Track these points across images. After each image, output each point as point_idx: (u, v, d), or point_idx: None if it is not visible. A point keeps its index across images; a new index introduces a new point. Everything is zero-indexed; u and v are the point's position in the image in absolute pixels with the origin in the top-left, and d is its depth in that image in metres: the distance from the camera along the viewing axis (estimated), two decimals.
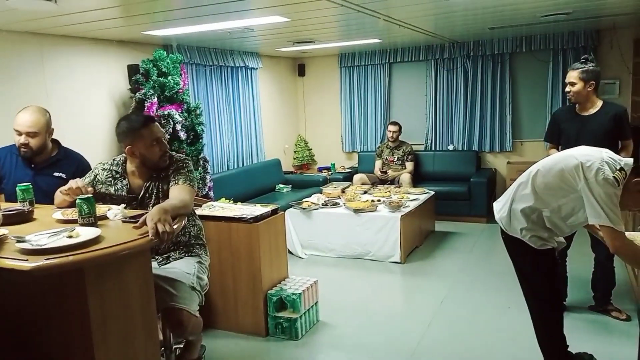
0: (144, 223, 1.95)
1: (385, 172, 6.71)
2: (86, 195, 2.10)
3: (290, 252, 4.60)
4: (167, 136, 4.70)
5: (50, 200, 2.51)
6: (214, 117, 6.16)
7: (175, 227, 2.01)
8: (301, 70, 8.00)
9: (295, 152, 8.03)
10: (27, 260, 1.66)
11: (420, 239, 5.52)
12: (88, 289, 1.79)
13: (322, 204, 5.33)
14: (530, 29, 5.77)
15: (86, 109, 4.70)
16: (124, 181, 2.56)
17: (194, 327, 2.51)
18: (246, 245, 3.44)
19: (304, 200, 5.46)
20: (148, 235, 1.89)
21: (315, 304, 3.69)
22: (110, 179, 2.57)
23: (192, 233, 2.68)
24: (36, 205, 2.39)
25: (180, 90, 4.96)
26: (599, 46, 6.15)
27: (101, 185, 2.57)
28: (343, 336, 3.52)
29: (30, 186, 2.38)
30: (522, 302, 2.56)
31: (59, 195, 2.44)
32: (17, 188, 2.36)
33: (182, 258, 2.61)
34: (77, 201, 2.06)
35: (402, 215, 4.93)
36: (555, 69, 6.36)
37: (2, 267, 1.68)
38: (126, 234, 1.93)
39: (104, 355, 1.85)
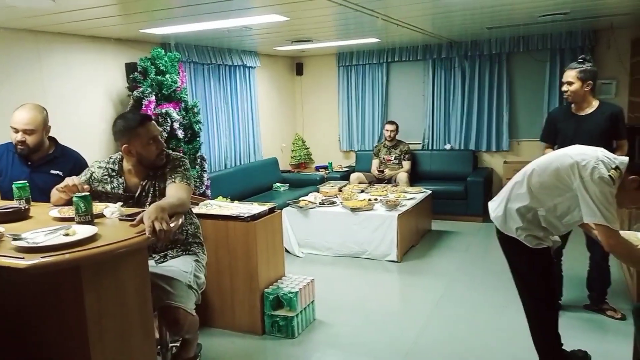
0: (141, 221, 1.95)
1: (383, 171, 6.71)
2: (83, 193, 2.10)
3: (287, 251, 4.61)
4: (165, 134, 4.70)
5: (47, 198, 2.51)
6: (211, 115, 6.16)
7: (172, 225, 2.02)
8: (299, 69, 8.00)
9: (292, 150, 8.03)
10: (23, 258, 1.66)
11: (417, 238, 5.53)
12: (84, 287, 1.79)
13: (319, 203, 5.33)
14: (527, 29, 5.79)
15: (83, 107, 4.69)
16: (120, 179, 2.56)
17: (191, 326, 2.51)
18: (243, 244, 3.44)
19: (301, 199, 5.46)
20: (145, 234, 1.89)
21: (312, 302, 3.70)
22: (106, 177, 2.57)
23: (189, 231, 2.68)
24: (33, 203, 2.39)
25: (178, 89, 4.95)
26: (597, 46, 6.16)
27: (97, 184, 2.57)
28: (339, 335, 3.52)
29: (27, 184, 2.38)
30: (518, 301, 2.57)
31: (55, 193, 2.44)
32: (13, 186, 2.35)
33: (179, 256, 2.61)
34: (74, 199, 2.06)
35: (398, 214, 4.94)
36: (552, 69, 6.37)
37: None
38: (123, 232, 1.94)
39: (100, 353, 1.85)
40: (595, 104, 3.41)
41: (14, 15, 3.61)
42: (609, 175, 2.12)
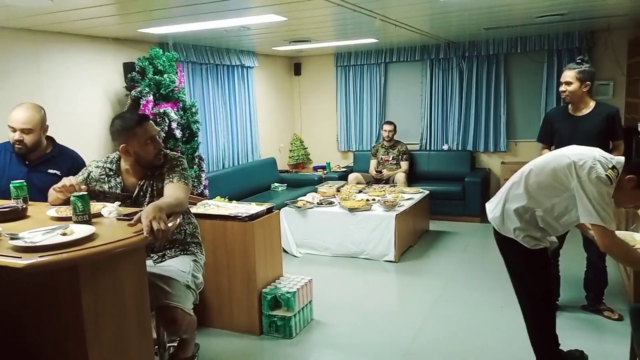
0: (139, 221, 1.95)
1: (380, 172, 6.72)
2: (81, 193, 2.10)
3: (285, 251, 4.61)
4: (163, 134, 4.70)
5: (44, 198, 2.51)
6: (209, 115, 6.15)
7: (170, 225, 2.02)
8: (297, 70, 8.00)
9: (290, 150, 8.03)
10: (20, 257, 1.65)
11: (415, 238, 5.54)
12: (82, 287, 1.78)
13: (317, 203, 5.33)
14: (525, 29, 5.80)
15: (81, 107, 4.69)
16: (117, 179, 2.56)
17: (188, 326, 2.51)
18: (241, 244, 3.44)
19: (299, 199, 5.46)
20: (143, 233, 1.89)
21: (310, 302, 3.70)
22: (103, 176, 2.57)
23: (187, 231, 2.68)
24: (30, 203, 2.38)
25: (176, 89, 4.95)
26: (594, 47, 6.18)
27: (95, 183, 2.56)
28: (337, 335, 3.53)
29: (24, 183, 2.37)
30: (515, 301, 2.57)
31: (52, 193, 2.44)
32: (10, 185, 2.35)
33: (177, 256, 2.61)
34: (72, 198, 2.05)
35: (396, 215, 4.94)
36: (549, 70, 6.38)
37: None
38: (121, 232, 1.93)
39: (97, 353, 1.85)
40: (592, 104, 3.42)
41: (12, 15, 3.60)
42: (606, 175, 2.13)
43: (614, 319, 3.50)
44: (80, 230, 1.87)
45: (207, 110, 6.12)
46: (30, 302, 1.97)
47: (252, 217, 3.44)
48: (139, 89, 4.73)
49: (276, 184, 6.76)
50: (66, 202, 2.30)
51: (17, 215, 2.21)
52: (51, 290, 1.88)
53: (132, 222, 1.97)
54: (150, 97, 4.73)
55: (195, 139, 5.14)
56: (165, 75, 4.83)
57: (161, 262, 2.55)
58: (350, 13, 4.05)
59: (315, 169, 7.69)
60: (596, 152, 2.23)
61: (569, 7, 4.42)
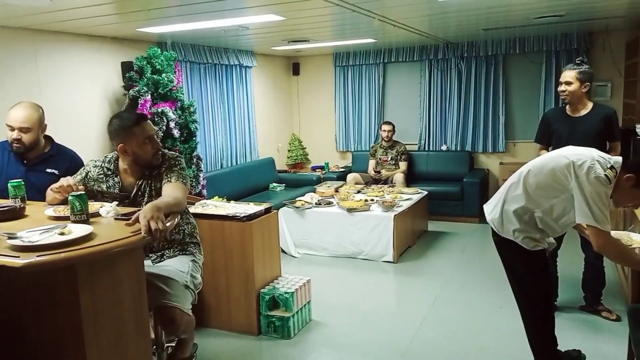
0: (137, 220, 1.95)
1: (379, 172, 6.72)
2: (78, 192, 2.09)
3: (283, 251, 4.60)
4: (161, 134, 4.70)
5: (42, 197, 2.50)
6: (207, 115, 6.15)
7: (168, 224, 2.01)
8: (296, 69, 8.00)
9: (289, 151, 8.03)
10: (18, 257, 1.65)
11: (413, 239, 5.54)
12: (80, 286, 1.78)
13: (316, 203, 5.33)
14: (523, 30, 5.81)
15: (79, 106, 4.68)
16: (115, 179, 2.56)
17: (187, 326, 2.51)
18: (239, 244, 3.43)
19: (297, 199, 5.46)
20: (140, 233, 1.88)
21: (308, 302, 3.69)
22: (101, 176, 2.56)
23: (186, 231, 2.68)
24: (28, 202, 2.38)
25: (174, 88, 4.94)
26: (592, 48, 6.19)
27: (93, 183, 2.56)
28: (335, 335, 3.52)
29: (22, 183, 2.37)
30: (514, 302, 2.58)
31: (50, 193, 2.43)
32: (8, 184, 2.34)
33: (176, 256, 2.60)
34: (70, 198, 2.05)
35: (395, 215, 4.94)
36: (548, 71, 6.39)
37: None
38: (118, 232, 1.93)
39: (95, 353, 1.84)
40: (589, 105, 3.43)
41: (10, 14, 3.59)
42: (605, 175, 2.13)
43: (611, 319, 3.51)
44: (78, 230, 1.87)
45: (206, 109, 6.11)
46: (28, 302, 1.96)
47: (251, 217, 3.44)
48: (137, 88, 4.72)
49: (274, 184, 6.75)
50: (64, 201, 2.30)
51: (15, 214, 2.20)
52: (49, 290, 1.87)
53: (129, 221, 1.97)
54: (148, 97, 4.72)
55: (194, 138, 5.13)
56: (163, 75, 4.82)
57: (160, 262, 2.55)
58: (348, 13, 4.05)
59: (314, 169, 7.68)
60: (594, 152, 2.23)
61: (567, 8, 4.43)
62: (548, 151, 3.46)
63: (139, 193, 2.52)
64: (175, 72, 5.02)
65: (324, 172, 7.36)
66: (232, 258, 3.47)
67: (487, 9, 4.31)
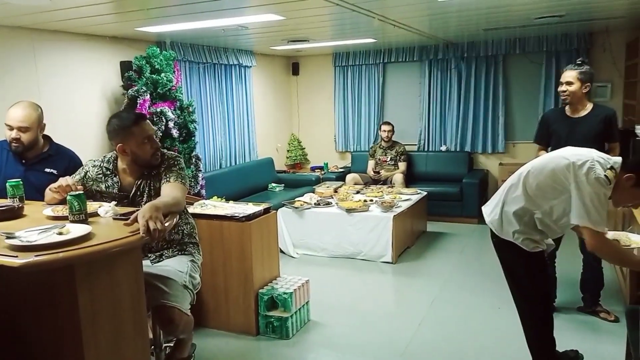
0: (135, 220, 1.94)
1: (378, 172, 6.72)
2: (77, 192, 2.09)
3: (282, 251, 4.60)
4: (160, 134, 4.69)
5: (41, 197, 2.50)
6: (206, 115, 6.14)
7: (166, 224, 2.01)
8: (295, 69, 7.99)
9: (288, 151, 8.03)
10: (16, 256, 1.65)
11: (412, 239, 5.54)
12: (78, 286, 1.78)
13: (315, 204, 5.33)
14: (523, 31, 5.81)
15: (78, 105, 4.67)
16: (114, 178, 2.55)
17: (185, 326, 2.50)
18: (238, 244, 3.43)
19: (296, 199, 5.45)
20: (139, 233, 1.88)
21: (307, 303, 3.69)
22: (100, 175, 2.56)
23: (185, 231, 2.67)
24: (26, 202, 2.37)
25: (173, 88, 4.94)
26: (592, 49, 6.19)
27: (92, 182, 2.55)
28: (334, 336, 3.52)
29: (21, 182, 2.36)
30: (512, 303, 2.57)
31: (48, 193, 2.43)
32: (7, 184, 2.34)
33: (175, 256, 2.60)
34: (68, 198, 2.05)
35: (394, 216, 4.94)
36: (548, 71, 6.39)
37: None
38: (117, 231, 1.93)
39: (94, 353, 1.84)
40: (589, 106, 3.43)
41: (9, 13, 3.59)
42: (605, 176, 2.13)
43: (610, 320, 3.51)
44: (76, 230, 1.86)
45: (205, 109, 6.11)
46: (26, 302, 1.96)
47: (249, 218, 3.44)
48: (136, 87, 4.72)
49: (273, 184, 6.75)
50: (63, 201, 2.29)
51: (14, 214, 2.20)
52: (47, 290, 1.87)
53: (128, 221, 1.96)
54: (147, 96, 4.71)
55: (192, 138, 5.13)
56: (162, 74, 4.82)
57: (158, 262, 2.54)
58: (348, 13, 4.05)
59: (313, 169, 7.68)
60: (594, 153, 2.23)
61: (567, 8, 4.43)
62: (547, 152, 3.46)
63: (138, 193, 2.52)
64: (174, 71, 5.02)
65: (323, 172, 7.36)
66: (231, 258, 3.47)
67: (487, 9, 4.31)
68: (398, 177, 6.49)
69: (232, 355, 3.31)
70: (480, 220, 6.01)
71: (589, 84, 3.36)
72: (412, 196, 5.63)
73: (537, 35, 6.24)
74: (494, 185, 6.75)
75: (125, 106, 4.77)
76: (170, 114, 4.79)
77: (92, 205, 2.22)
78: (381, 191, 5.77)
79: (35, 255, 1.64)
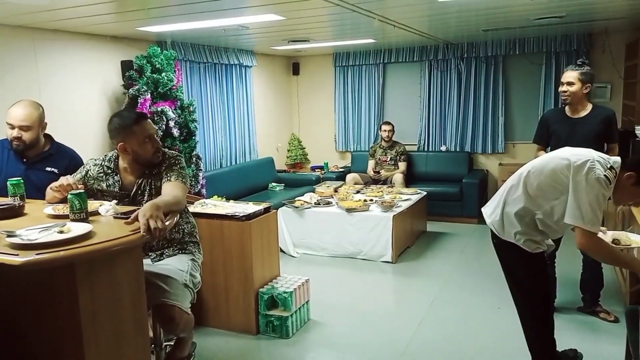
0: (136, 219, 1.95)
1: (378, 172, 6.73)
2: (78, 191, 2.09)
3: (282, 251, 4.60)
4: (160, 133, 4.69)
5: (42, 195, 2.50)
6: (207, 114, 6.15)
7: (167, 223, 2.01)
8: (295, 69, 8.00)
9: (288, 150, 8.03)
10: (17, 255, 1.65)
11: (412, 239, 5.54)
12: (78, 285, 1.78)
13: (315, 203, 5.33)
14: (523, 31, 5.81)
15: (79, 105, 4.68)
16: (115, 177, 2.56)
17: (186, 324, 2.51)
18: (238, 243, 3.43)
19: (296, 199, 5.46)
20: (140, 232, 1.88)
21: (307, 302, 3.70)
22: (101, 174, 2.56)
23: (185, 230, 2.68)
24: (27, 200, 2.37)
25: (174, 87, 4.94)
26: (591, 50, 6.20)
27: (93, 181, 2.56)
28: (334, 335, 3.53)
29: (22, 181, 2.36)
30: (512, 303, 2.57)
31: (49, 192, 2.43)
32: (8, 182, 2.34)
33: (175, 255, 2.60)
34: (69, 196, 2.05)
35: (394, 215, 4.94)
36: (547, 72, 6.40)
37: None
38: (118, 230, 1.93)
39: (94, 351, 1.84)
40: (589, 107, 3.44)
41: (10, 12, 3.59)
42: (605, 175, 2.13)
43: (609, 320, 3.51)
44: (77, 228, 1.87)
45: (205, 109, 6.11)
46: (27, 301, 1.96)
47: (250, 217, 3.44)
48: (137, 87, 4.72)
49: (274, 184, 6.75)
50: (63, 201, 2.30)
51: (14, 212, 2.20)
52: (48, 289, 1.87)
53: (129, 220, 1.97)
54: (148, 96, 4.72)
55: (193, 137, 5.13)
56: (163, 74, 4.82)
57: (159, 260, 2.55)
58: (348, 13, 4.06)
59: (313, 169, 7.69)
60: (594, 153, 2.23)
61: (567, 9, 4.43)
62: (546, 152, 3.47)
63: (139, 192, 2.52)
64: (175, 71, 5.02)
65: (323, 172, 7.36)
66: (231, 257, 3.47)
67: (486, 9, 4.32)
68: (398, 177, 6.49)
69: (232, 354, 3.31)
70: (480, 220, 6.01)
71: (589, 84, 3.37)
72: (412, 196, 5.64)
73: (537, 36, 6.25)
74: (493, 186, 6.76)
75: (126, 105, 4.77)
76: (170, 114, 4.80)
77: (92, 204, 2.22)
78: (381, 191, 5.77)
79: (36, 254, 1.64)
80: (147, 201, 2.37)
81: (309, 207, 5.26)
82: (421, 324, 3.63)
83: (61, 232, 1.83)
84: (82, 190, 2.13)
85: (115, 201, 2.28)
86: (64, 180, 2.36)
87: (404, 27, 5.03)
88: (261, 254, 3.53)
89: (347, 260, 5.07)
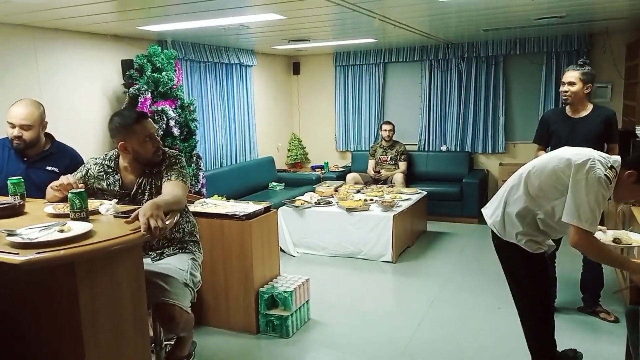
0: (136, 218, 1.95)
1: (379, 172, 6.73)
2: (78, 190, 2.09)
3: (282, 250, 4.61)
4: (161, 132, 4.69)
5: (42, 194, 2.50)
6: (207, 113, 6.15)
7: (167, 222, 2.01)
8: (296, 69, 8.00)
9: (288, 150, 8.03)
10: (17, 254, 1.65)
11: (412, 239, 5.54)
12: (79, 284, 1.78)
13: (315, 203, 5.33)
14: (524, 31, 5.81)
15: (79, 104, 4.68)
16: (116, 176, 2.56)
17: (186, 323, 2.51)
18: (238, 243, 3.43)
19: (296, 198, 5.46)
20: (140, 231, 1.88)
21: (307, 302, 3.70)
22: (102, 173, 2.56)
23: (185, 229, 2.68)
24: (28, 199, 2.37)
25: (174, 86, 4.94)
26: (592, 50, 6.19)
27: (93, 180, 2.56)
28: (334, 334, 3.53)
29: (22, 180, 2.36)
30: (512, 303, 2.57)
31: (50, 191, 2.43)
32: (8, 181, 2.34)
33: (175, 254, 2.60)
34: (69, 195, 2.05)
35: (394, 215, 4.94)
36: (548, 72, 6.40)
37: None
38: (118, 229, 1.93)
39: (94, 351, 1.84)
40: (589, 107, 3.44)
41: (10, 10, 3.59)
42: (605, 175, 2.13)
43: (610, 320, 3.51)
44: (77, 227, 1.87)
45: (205, 108, 6.11)
46: (26, 300, 1.96)
47: (250, 216, 3.44)
48: (137, 86, 4.72)
49: (274, 183, 6.75)
50: (63, 200, 2.30)
51: (15, 211, 2.20)
52: (48, 288, 1.87)
53: (129, 219, 1.97)
54: (149, 95, 4.72)
55: (193, 137, 5.13)
56: (163, 73, 4.82)
57: (159, 260, 2.55)
58: (349, 13, 4.05)
59: (313, 168, 7.69)
60: (595, 152, 2.23)
61: (567, 9, 4.43)
62: (546, 152, 3.46)
63: (139, 191, 2.52)
64: (175, 70, 5.02)
65: (323, 171, 7.37)
66: (231, 257, 3.47)
67: (486, 9, 4.31)
68: (398, 176, 6.49)
69: (232, 354, 3.31)
70: (480, 220, 6.02)
71: (590, 84, 3.37)
72: (412, 196, 5.64)
73: (538, 36, 6.25)
74: (494, 186, 6.76)
75: (126, 105, 4.77)
76: (171, 113, 4.80)
77: (93, 203, 2.22)
78: (381, 191, 5.77)
79: (36, 253, 1.64)
80: (147, 200, 2.36)
81: (309, 207, 5.26)
82: (421, 323, 3.63)
83: (61, 231, 1.83)
84: (83, 190, 2.13)
85: (115, 200, 2.28)
86: (65, 179, 2.36)
87: (404, 27, 5.03)
88: (261, 254, 3.53)
89: (347, 259, 5.07)
